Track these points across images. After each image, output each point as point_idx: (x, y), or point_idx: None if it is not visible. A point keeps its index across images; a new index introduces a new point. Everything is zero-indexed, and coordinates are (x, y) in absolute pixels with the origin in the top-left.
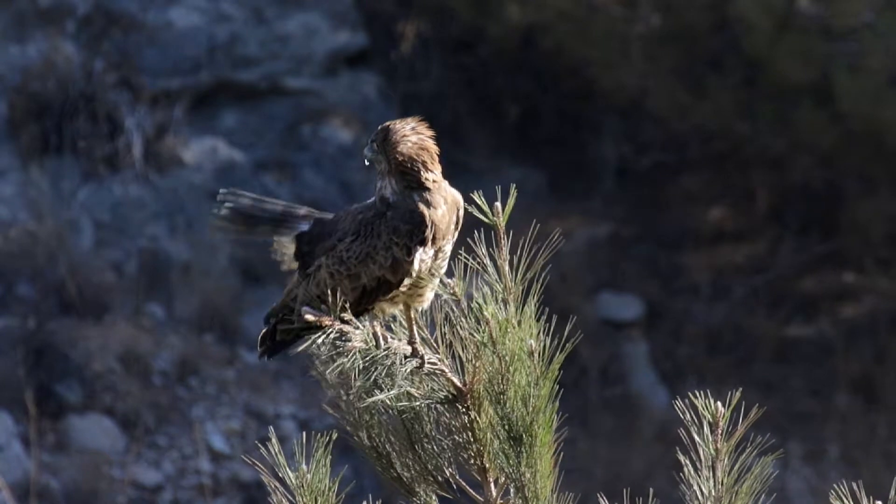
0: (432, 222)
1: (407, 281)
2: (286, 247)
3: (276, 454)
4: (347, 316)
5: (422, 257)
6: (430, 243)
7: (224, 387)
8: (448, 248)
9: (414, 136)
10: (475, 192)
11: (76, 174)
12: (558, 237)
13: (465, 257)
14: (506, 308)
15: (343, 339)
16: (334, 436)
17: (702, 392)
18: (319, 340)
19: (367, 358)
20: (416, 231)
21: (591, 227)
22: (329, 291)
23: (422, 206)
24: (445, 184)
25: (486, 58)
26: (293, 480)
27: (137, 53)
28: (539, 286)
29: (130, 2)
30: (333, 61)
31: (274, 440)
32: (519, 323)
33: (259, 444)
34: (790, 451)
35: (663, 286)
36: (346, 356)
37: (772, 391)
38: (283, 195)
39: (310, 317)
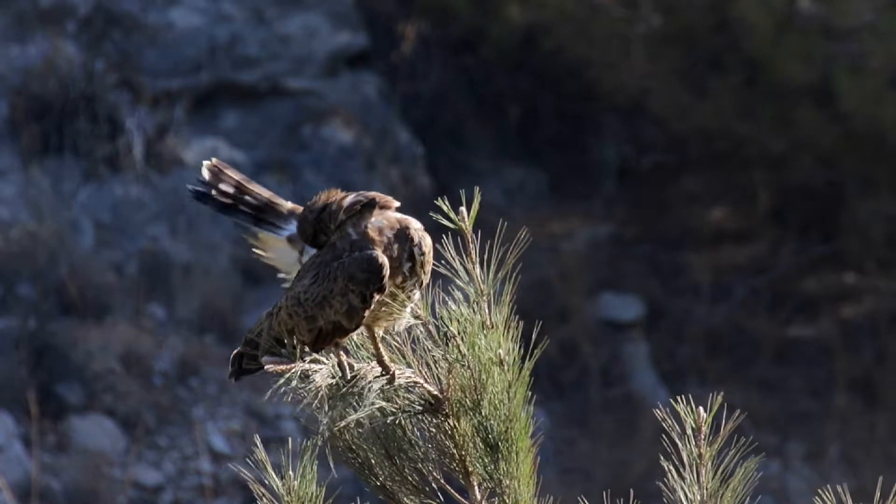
0: (389, 267)
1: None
2: (273, 243)
3: (263, 461)
4: (309, 356)
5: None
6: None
7: (225, 387)
8: (409, 285)
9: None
10: (474, 192)
11: (77, 174)
12: (526, 235)
13: (434, 263)
14: (478, 311)
15: (308, 377)
16: (320, 440)
17: (695, 395)
18: (285, 382)
19: (335, 391)
20: (373, 279)
21: (592, 227)
22: (286, 332)
23: (379, 254)
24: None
25: (486, 58)
26: (279, 487)
27: (138, 54)
28: (511, 287)
29: (131, 2)
30: (334, 62)
31: (259, 445)
32: (492, 325)
33: (252, 447)
34: (790, 451)
35: (664, 286)
36: (312, 394)
37: (772, 391)
38: (283, 196)
39: (270, 367)
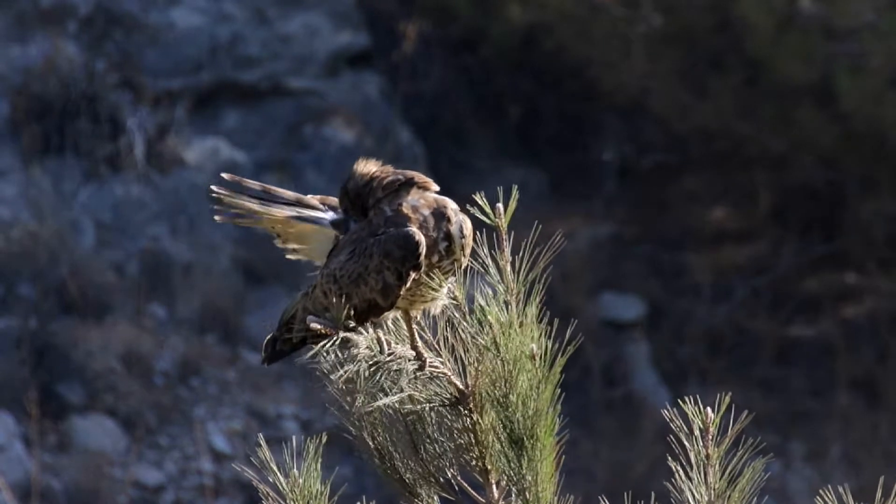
0: (426, 245)
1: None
2: (312, 233)
3: (266, 460)
4: (352, 324)
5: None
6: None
7: (226, 387)
8: (446, 265)
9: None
10: (477, 193)
11: (78, 174)
12: (560, 238)
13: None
14: (508, 310)
15: (348, 346)
16: (324, 438)
17: (696, 395)
18: (325, 348)
19: (373, 364)
20: (409, 257)
21: (593, 227)
22: (332, 306)
23: (416, 231)
24: (432, 196)
25: (487, 58)
26: (284, 485)
27: (139, 54)
28: (541, 287)
29: (132, 2)
30: (335, 61)
31: (263, 444)
32: (521, 325)
33: (255, 447)
34: (792, 451)
35: (665, 286)
36: (353, 363)
37: (773, 391)
38: None
39: (315, 325)
